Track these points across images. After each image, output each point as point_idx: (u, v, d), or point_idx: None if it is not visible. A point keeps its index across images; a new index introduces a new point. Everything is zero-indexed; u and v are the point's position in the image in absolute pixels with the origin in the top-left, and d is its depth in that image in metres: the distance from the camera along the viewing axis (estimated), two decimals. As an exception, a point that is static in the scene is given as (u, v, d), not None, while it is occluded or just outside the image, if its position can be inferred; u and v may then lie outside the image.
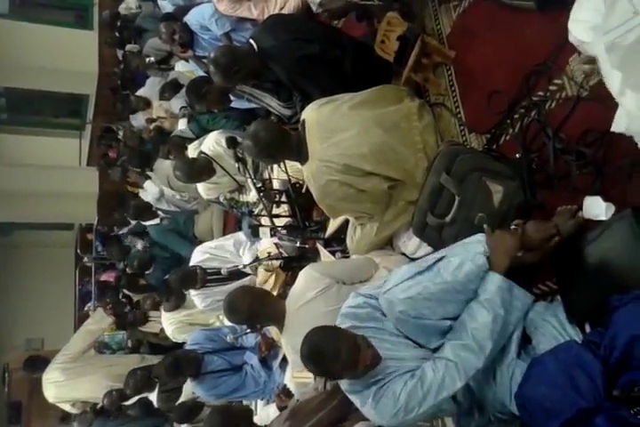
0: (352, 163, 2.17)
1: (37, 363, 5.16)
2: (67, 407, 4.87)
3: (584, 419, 1.27)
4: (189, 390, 3.75)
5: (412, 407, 1.63)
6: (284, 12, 3.40)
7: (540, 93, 2.02)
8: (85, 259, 7.84)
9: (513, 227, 1.75)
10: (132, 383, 3.82)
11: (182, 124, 4.83)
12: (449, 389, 1.62)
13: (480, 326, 1.62)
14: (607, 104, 1.59)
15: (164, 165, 4.74)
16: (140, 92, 5.94)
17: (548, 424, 1.29)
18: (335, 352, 1.63)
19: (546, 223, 1.76)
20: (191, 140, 4.22)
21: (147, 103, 5.72)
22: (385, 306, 1.76)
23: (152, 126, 5.52)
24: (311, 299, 2.20)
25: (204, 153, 3.76)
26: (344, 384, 1.79)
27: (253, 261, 3.23)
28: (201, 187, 3.96)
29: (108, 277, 7.31)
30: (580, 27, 1.65)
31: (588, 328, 1.62)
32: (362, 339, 1.69)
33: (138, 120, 6.12)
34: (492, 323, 1.62)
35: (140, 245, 5.44)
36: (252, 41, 2.63)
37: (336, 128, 2.23)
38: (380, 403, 1.67)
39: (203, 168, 3.72)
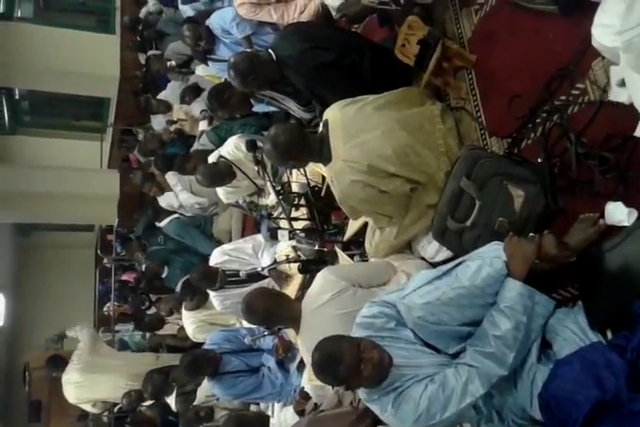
0: (376, 164, 2.16)
1: (59, 362, 5.22)
2: (87, 408, 4.93)
3: (619, 404, 1.25)
4: (203, 394, 3.78)
5: (434, 413, 1.62)
6: (304, 16, 3.42)
7: (563, 98, 2.00)
8: (105, 260, 7.92)
9: (531, 235, 1.74)
10: (150, 389, 3.85)
11: (203, 126, 4.87)
12: (472, 395, 1.61)
13: (502, 333, 1.60)
14: (630, 109, 1.57)
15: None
16: (161, 96, 6.00)
17: (577, 410, 1.26)
18: (337, 354, 1.65)
19: (562, 244, 1.73)
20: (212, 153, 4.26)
21: (167, 106, 5.77)
22: (403, 312, 1.76)
23: (172, 128, 5.56)
24: (326, 301, 2.20)
25: (224, 157, 3.80)
26: (362, 393, 1.78)
27: (272, 264, 3.24)
28: (221, 191, 3.99)
29: (128, 277, 7.40)
30: (604, 32, 1.64)
31: (609, 334, 1.60)
32: (367, 341, 1.70)
33: (158, 123, 6.18)
34: (514, 330, 1.60)
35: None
36: (270, 50, 2.67)
37: (360, 128, 2.22)
38: (400, 409, 1.66)
39: (224, 172, 3.77)
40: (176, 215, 5.20)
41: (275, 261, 3.26)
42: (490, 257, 1.68)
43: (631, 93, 1.53)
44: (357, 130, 2.22)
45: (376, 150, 2.17)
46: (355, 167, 2.18)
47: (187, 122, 5.35)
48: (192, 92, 5.03)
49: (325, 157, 2.29)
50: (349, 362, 1.63)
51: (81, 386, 4.63)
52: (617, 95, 1.69)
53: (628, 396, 1.27)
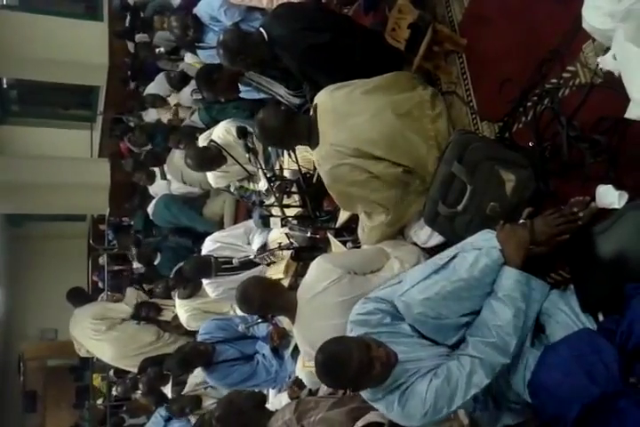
0: (362, 147, 2.16)
1: (81, 295, 5.09)
2: (75, 344, 4.97)
3: (606, 403, 1.26)
4: (193, 381, 3.79)
5: (440, 407, 1.61)
6: (293, 0, 3.38)
7: (554, 81, 1.99)
8: (100, 260, 7.85)
9: (522, 221, 1.74)
10: (146, 381, 3.85)
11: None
12: (477, 386, 1.61)
13: (503, 323, 1.61)
14: (621, 91, 1.56)
15: (176, 160, 4.75)
16: (149, 89, 5.95)
17: (567, 409, 1.28)
18: (347, 353, 1.61)
19: (554, 217, 1.73)
20: (202, 131, 4.23)
21: (162, 99, 5.73)
22: (402, 309, 1.75)
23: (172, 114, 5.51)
24: (323, 290, 2.18)
25: (215, 142, 3.77)
26: (365, 393, 1.76)
27: (264, 252, 3.24)
28: (210, 175, 3.97)
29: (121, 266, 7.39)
30: (595, 13, 1.62)
31: (601, 317, 1.60)
32: (371, 339, 1.68)
33: (151, 118, 6.14)
34: (514, 318, 1.60)
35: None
36: (262, 29, 2.63)
37: (349, 113, 2.22)
38: (407, 406, 1.65)
39: (214, 157, 3.73)
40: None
41: (267, 249, 3.25)
42: (486, 247, 1.68)
43: (622, 71, 1.50)
44: (346, 114, 2.22)
45: (363, 134, 2.17)
46: (341, 151, 2.18)
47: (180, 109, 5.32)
48: (179, 81, 4.99)
49: (313, 142, 2.29)
50: (360, 362, 1.60)
51: (79, 328, 4.68)
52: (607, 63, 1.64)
53: (618, 389, 1.27)
